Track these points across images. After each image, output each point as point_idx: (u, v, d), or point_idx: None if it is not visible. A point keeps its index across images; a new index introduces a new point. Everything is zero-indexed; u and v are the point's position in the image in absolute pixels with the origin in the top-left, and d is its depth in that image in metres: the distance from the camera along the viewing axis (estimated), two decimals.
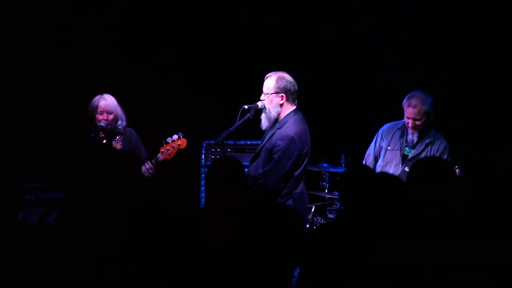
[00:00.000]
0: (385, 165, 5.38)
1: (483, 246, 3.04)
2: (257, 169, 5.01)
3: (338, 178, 6.46)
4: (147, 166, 5.45)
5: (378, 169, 5.41)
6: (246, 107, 5.12)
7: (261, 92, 5.09)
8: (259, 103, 5.14)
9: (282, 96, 5.03)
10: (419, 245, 3.11)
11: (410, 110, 5.26)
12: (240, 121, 5.10)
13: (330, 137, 6.64)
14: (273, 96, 5.03)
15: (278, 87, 5.03)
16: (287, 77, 5.06)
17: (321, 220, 6.34)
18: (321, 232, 3.60)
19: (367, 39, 6.73)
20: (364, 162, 5.53)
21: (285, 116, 5.03)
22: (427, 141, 5.31)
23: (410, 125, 5.30)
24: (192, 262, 3.13)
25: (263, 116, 5.07)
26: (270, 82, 5.05)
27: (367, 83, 6.81)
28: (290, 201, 4.94)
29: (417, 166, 3.43)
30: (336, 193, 6.57)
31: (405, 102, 5.29)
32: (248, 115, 5.12)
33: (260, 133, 5.99)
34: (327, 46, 6.87)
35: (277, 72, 5.08)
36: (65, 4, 6.74)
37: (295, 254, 3.12)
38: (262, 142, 5.09)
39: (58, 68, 6.78)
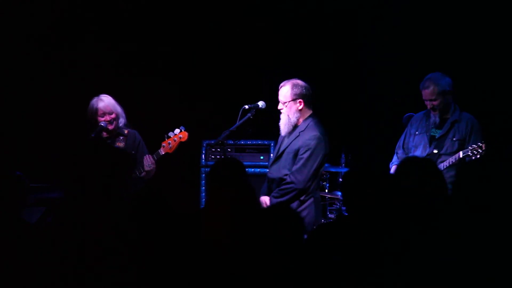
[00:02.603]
0: (415, 148, 5.48)
1: (485, 245, 3.03)
2: (280, 170, 5.09)
3: (341, 179, 6.48)
4: (148, 161, 5.44)
5: (409, 154, 5.53)
6: (246, 107, 5.16)
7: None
8: (260, 103, 5.20)
9: (300, 102, 5.10)
10: (422, 245, 3.11)
11: (424, 92, 5.35)
12: (241, 121, 5.13)
13: (331, 137, 6.64)
14: (292, 104, 5.10)
15: (294, 94, 5.10)
16: (301, 83, 5.14)
17: (321, 220, 6.33)
18: (322, 232, 3.59)
19: (369, 38, 6.73)
20: (395, 155, 5.64)
21: (304, 120, 5.11)
22: (452, 119, 5.37)
23: (428, 106, 5.38)
24: (191, 262, 3.13)
25: (282, 123, 5.14)
26: (286, 90, 5.12)
27: (368, 83, 6.81)
28: (311, 200, 5.04)
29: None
30: (336, 192, 6.57)
31: (421, 85, 5.39)
32: (249, 115, 5.15)
33: (260, 133, 6.02)
34: (328, 46, 6.87)
35: (290, 80, 5.15)
36: (65, 3, 6.73)
37: (295, 254, 3.11)
38: (282, 146, 5.16)
39: (58, 68, 6.78)
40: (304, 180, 5.00)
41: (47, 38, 6.74)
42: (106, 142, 5.52)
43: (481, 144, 5.16)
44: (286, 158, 5.10)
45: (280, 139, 5.27)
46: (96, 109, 5.47)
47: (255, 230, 3.16)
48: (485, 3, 6.28)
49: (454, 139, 5.34)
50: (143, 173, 5.48)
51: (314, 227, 5.03)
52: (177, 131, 5.50)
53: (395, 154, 5.65)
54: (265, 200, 5.19)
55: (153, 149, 5.56)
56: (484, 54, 6.30)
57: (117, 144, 5.55)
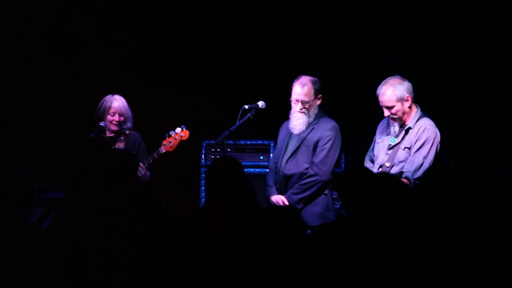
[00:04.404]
0: (376, 158, 5.08)
1: (483, 245, 3.04)
2: (299, 165, 5.12)
3: (337, 178, 6.48)
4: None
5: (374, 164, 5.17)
6: (246, 107, 5.17)
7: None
8: (260, 103, 5.21)
9: (320, 97, 5.17)
10: (419, 244, 3.12)
11: (380, 99, 4.94)
12: (241, 121, 5.14)
13: None
14: (315, 101, 5.16)
15: (317, 91, 5.15)
16: (315, 78, 5.18)
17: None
18: (322, 232, 3.60)
19: (369, 38, 6.73)
20: (364, 162, 5.33)
21: (316, 114, 5.17)
22: (406, 127, 4.93)
23: (385, 114, 4.95)
24: (191, 262, 3.13)
25: (301, 122, 5.13)
26: (309, 88, 5.14)
27: (368, 82, 6.80)
28: (323, 196, 5.10)
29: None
30: (336, 193, 6.57)
31: (376, 91, 4.98)
32: (249, 115, 5.16)
33: (260, 133, 5.99)
34: (328, 46, 6.87)
35: (305, 77, 5.17)
36: (65, 3, 6.74)
37: (295, 254, 3.12)
38: (294, 141, 5.18)
39: (58, 68, 6.78)
40: (328, 171, 5.07)
41: (48, 38, 6.74)
42: (106, 142, 5.53)
43: (404, 179, 4.73)
44: (304, 151, 5.13)
45: (283, 135, 5.26)
46: (109, 107, 5.49)
47: (255, 230, 3.17)
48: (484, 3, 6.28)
49: (403, 148, 4.91)
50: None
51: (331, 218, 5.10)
52: (178, 129, 5.52)
53: (364, 163, 5.20)
54: (280, 199, 5.17)
55: (153, 148, 5.57)
56: (482, 53, 6.30)
57: (118, 144, 5.57)
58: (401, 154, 4.92)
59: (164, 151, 5.49)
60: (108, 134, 5.57)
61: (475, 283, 2.98)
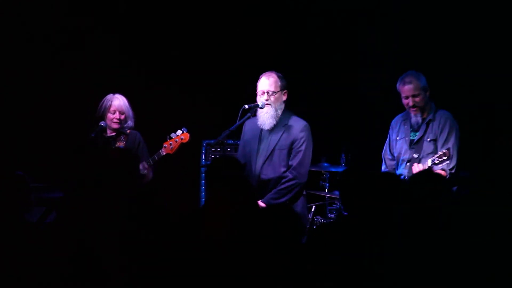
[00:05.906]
0: (398, 156, 5.27)
1: (482, 244, 3.04)
2: (276, 169, 5.06)
3: (338, 178, 6.47)
4: (141, 166, 5.44)
5: (397, 162, 5.30)
6: (246, 106, 5.16)
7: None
8: (260, 103, 5.18)
9: (285, 93, 5.14)
10: (419, 244, 3.12)
11: (406, 88, 5.17)
12: (241, 121, 5.14)
13: (330, 136, 6.64)
14: (279, 94, 5.12)
15: (282, 85, 5.13)
16: (281, 74, 5.17)
17: (321, 220, 6.34)
18: (322, 232, 3.60)
19: (369, 38, 6.73)
20: (383, 162, 5.42)
21: (283, 113, 5.13)
22: (427, 120, 5.19)
23: (410, 103, 5.17)
24: (190, 262, 3.13)
25: (269, 115, 5.10)
26: (274, 80, 5.14)
27: (368, 82, 6.81)
28: (304, 193, 5.08)
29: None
30: (337, 192, 6.57)
31: (399, 83, 5.22)
32: (249, 114, 5.16)
33: None
34: (328, 45, 6.87)
35: (271, 72, 5.18)
36: (66, 3, 6.74)
37: (295, 254, 3.12)
38: (268, 143, 5.12)
39: (58, 68, 6.78)
40: (306, 173, 5.05)
41: (48, 38, 6.74)
42: (107, 141, 5.54)
43: (445, 151, 4.93)
44: (279, 155, 5.08)
45: (251, 136, 5.20)
46: (110, 105, 5.54)
47: (255, 229, 3.17)
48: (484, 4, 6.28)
49: (428, 140, 5.15)
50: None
51: (305, 222, 5.08)
52: (179, 132, 5.53)
53: (383, 162, 5.42)
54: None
55: (153, 149, 5.58)
56: (483, 53, 6.29)
57: (118, 143, 5.59)
58: (427, 146, 5.14)
59: (164, 153, 5.51)
60: (109, 133, 5.60)
61: (475, 284, 2.98)
